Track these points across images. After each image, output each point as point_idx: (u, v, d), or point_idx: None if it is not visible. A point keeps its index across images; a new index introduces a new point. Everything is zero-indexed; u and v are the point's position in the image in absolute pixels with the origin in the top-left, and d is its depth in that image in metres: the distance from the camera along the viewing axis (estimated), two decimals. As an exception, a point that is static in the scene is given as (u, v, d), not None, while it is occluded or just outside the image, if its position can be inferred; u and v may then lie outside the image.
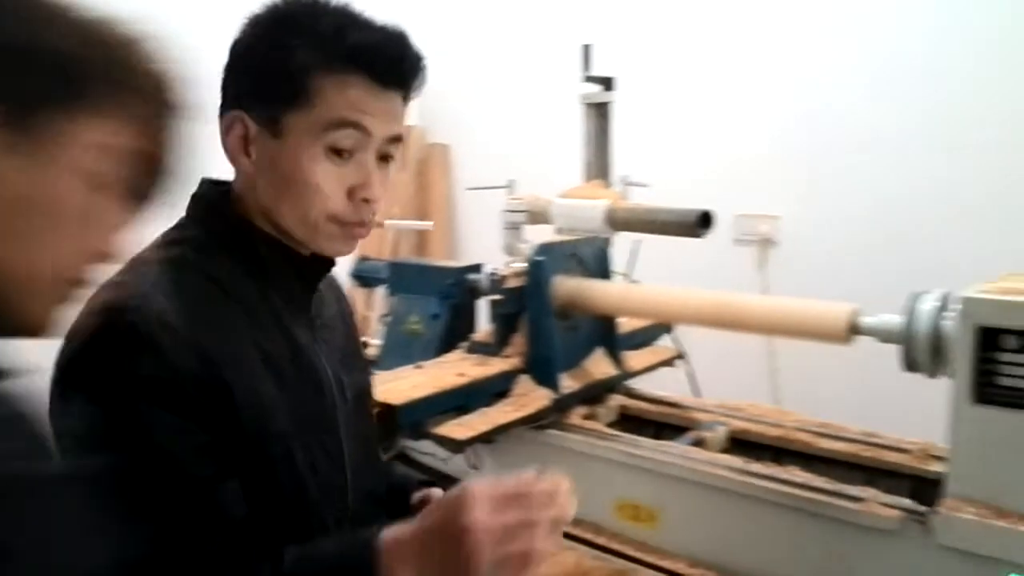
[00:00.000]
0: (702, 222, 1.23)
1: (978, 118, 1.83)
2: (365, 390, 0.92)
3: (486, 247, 2.14)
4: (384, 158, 0.78)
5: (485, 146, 2.49)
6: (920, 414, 1.31)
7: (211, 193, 0.80)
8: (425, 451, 1.41)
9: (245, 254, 0.78)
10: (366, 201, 0.76)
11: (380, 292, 1.93)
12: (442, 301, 1.59)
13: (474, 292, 1.58)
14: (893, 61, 1.93)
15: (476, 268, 1.60)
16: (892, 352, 1.11)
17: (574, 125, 1.66)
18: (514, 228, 1.68)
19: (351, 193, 0.75)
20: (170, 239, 0.78)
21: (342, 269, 1.06)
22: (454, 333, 1.58)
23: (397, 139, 0.78)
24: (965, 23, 1.85)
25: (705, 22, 2.19)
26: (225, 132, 0.77)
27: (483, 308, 1.61)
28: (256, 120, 0.75)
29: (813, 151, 2.05)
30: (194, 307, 0.72)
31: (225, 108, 0.77)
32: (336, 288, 0.95)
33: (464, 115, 2.49)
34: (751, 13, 2.12)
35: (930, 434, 1.23)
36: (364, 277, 1.86)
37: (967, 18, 1.85)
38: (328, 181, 0.74)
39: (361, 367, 0.93)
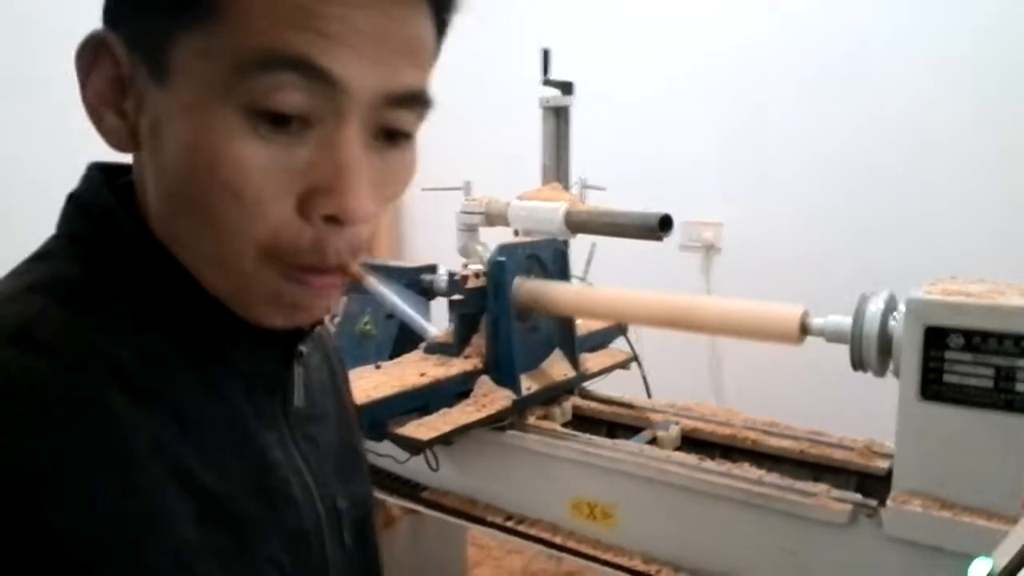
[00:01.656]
0: (663, 225, 1.26)
1: (915, 126, 1.93)
2: (368, 512, 0.60)
3: (433, 248, 2.16)
4: (390, 136, 0.43)
5: (438, 148, 2.48)
6: (857, 413, 1.37)
7: (99, 196, 0.45)
8: (382, 453, 1.41)
9: (166, 311, 0.43)
10: (334, 220, 0.40)
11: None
12: (397, 302, 1.58)
13: (429, 292, 1.58)
14: (831, 72, 2.02)
15: (431, 268, 1.60)
16: (831, 354, 1.16)
17: (529, 128, 1.68)
18: (470, 230, 1.69)
19: (305, 202, 0.40)
20: (28, 285, 0.41)
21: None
22: (408, 334, 1.58)
23: (413, 98, 0.42)
24: (901, 32, 1.94)
25: (656, 31, 2.25)
26: (84, 69, 0.42)
27: (436, 309, 1.61)
28: (131, 49, 0.41)
29: (755, 161, 2.12)
30: (65, 448, 0.36)
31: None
32: (323, 345, 0.59)
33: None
34: (700, 24, 2.19)
35: (868, 431, 1.29)
36: (314, 277, 1.83)
37: (902, 27, 1.94)
38: (258, 176, 0.39)
39: (360, 472, 0.60)
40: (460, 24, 0.46)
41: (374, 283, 0.54)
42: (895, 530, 1.02)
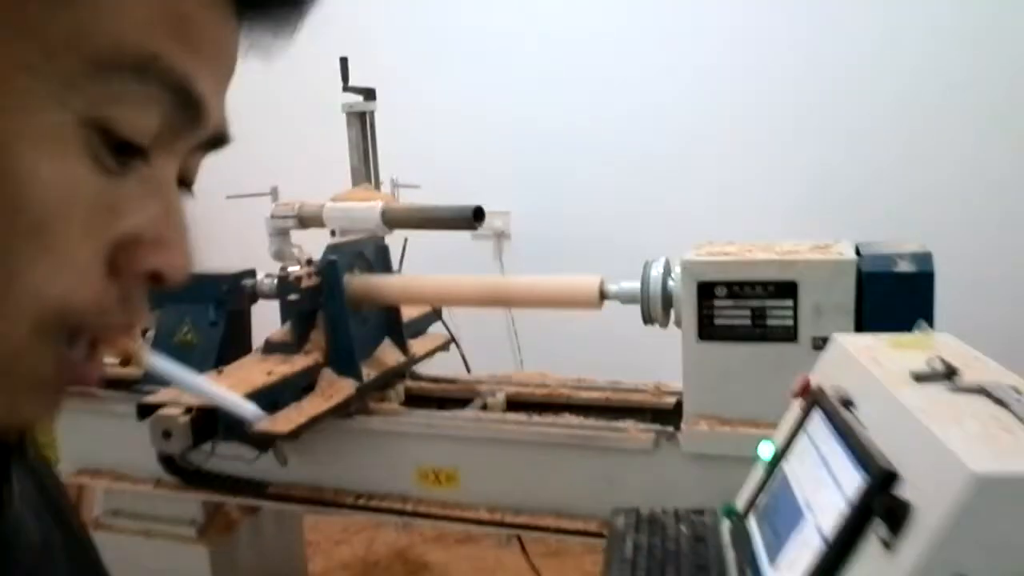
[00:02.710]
0: (477, 215, 1.42)
1: (668, 113, 2.27)
2: None
3: (226, 255, 2.19)
4: (184, 182, 0.36)
5: (240, 155, 2.48)
6: (635, 362, 1.63)
7: None
8: (227, 456, 1.44)
9: None
10: (155, 279, 0.33)
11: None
12: (219, 308, 1.60)
13: (252, 297, 1.61)
14: (597, 72, 2.31)
15: (251, 273, 1.63)
16: (612, 316, 1.41)
17: (333, 132, 1.77)
18: (282, 233, 1.74)
19: (122, 252, 0.32)
20: None
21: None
22: (232, 340, 1.61)
23: (221, 139, 0.36)
24: (657, 31, 2.27)
25: (445, 37, 2.42)
26: None
27: (258, 312, 1.66)
28: None
29: (537, 153, 2.37)
30: None
31: None
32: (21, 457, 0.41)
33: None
34: (483, 27, 2.39)
35: (651, 377, 1.55)
36: (119, 294, 1.78)
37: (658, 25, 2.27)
38: (81, 211, 0.30)
39: None
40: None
41: (157, 361, 0.44)
42: (690, 447, 1.27)
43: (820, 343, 1.20)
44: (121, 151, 0.31)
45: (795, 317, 1.20)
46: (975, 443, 0.56)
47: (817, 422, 0.75)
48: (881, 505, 0.58)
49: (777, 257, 1.21)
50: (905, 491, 0.59)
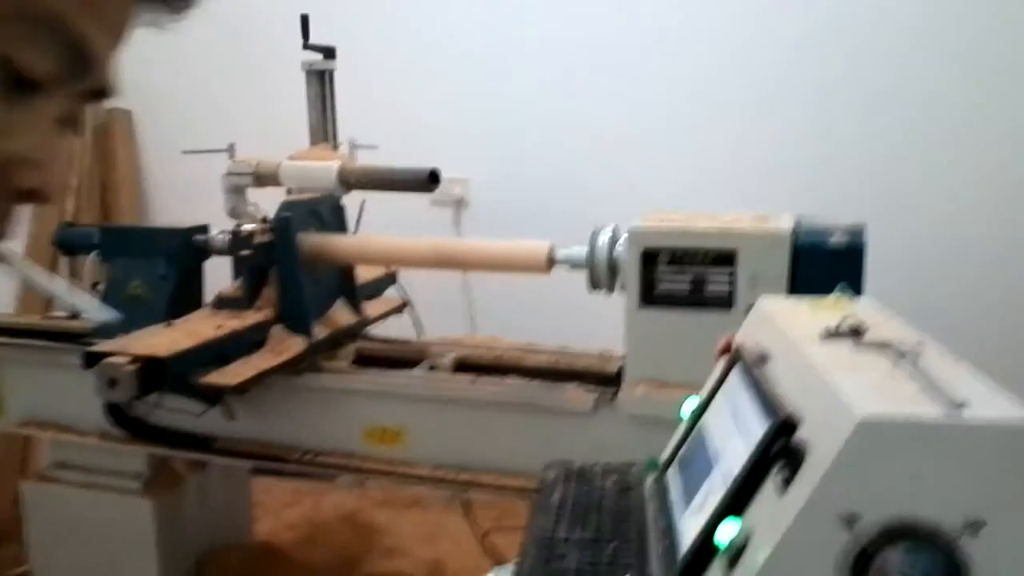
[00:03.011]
0: (432, 179, 1.44)
1: (630, 85, 2.28)
2: None
3: (181, 210, 2.19)
4: (68, 122, 0.40)
5: (198, 111, 2.45)
6: (590, 328, 1.65)
7: None
8: (174, 408, 1.45)
9: None
10: (33, 196, 0.39)
11: (89, 260, 1.84)
12: (170, 263, 1.60)
13: (204, 252, 1.61)
14: (557, 39, 2.32)
15: (203, 229, 1.63)
16: (566, 284, 1.43)
17: (294, 90, 1.77)
18: (238, 191, 1.74)
19: (3, 174, 0.37)
20: None
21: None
22: (183, 295, 1.61)
23: (106, 92, 0.41)
24: None
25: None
26: None
27: (211, 268, 1.66)
28: None
29: (496, 120, 2.37)
30: None
31: None
32: None
33: (150, 80, 2.42)
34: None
35: (599, 343, 1.58)
36: (70, 244, 1.76)
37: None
38: None
39: None
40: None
41: (21, 264, 0.53)
42: (628, 409, 1.31)
43: (757, 312, 1.24)
44: (19, 87, 0.36)
45: (732, 285, 1.24)
46: (867, 391, 0.60)
47: (734, 378, 0.79)
48: (780, 449, 0.61)
49: (717, 226, 1.25)
50: (804, 437, 0.62)
